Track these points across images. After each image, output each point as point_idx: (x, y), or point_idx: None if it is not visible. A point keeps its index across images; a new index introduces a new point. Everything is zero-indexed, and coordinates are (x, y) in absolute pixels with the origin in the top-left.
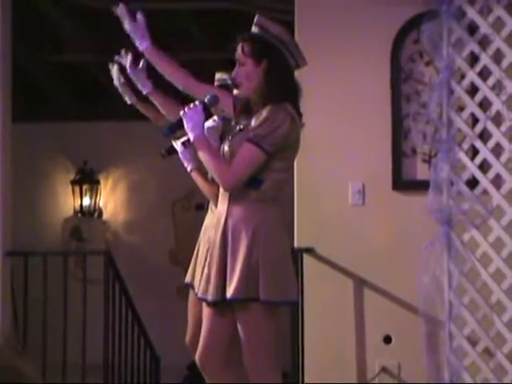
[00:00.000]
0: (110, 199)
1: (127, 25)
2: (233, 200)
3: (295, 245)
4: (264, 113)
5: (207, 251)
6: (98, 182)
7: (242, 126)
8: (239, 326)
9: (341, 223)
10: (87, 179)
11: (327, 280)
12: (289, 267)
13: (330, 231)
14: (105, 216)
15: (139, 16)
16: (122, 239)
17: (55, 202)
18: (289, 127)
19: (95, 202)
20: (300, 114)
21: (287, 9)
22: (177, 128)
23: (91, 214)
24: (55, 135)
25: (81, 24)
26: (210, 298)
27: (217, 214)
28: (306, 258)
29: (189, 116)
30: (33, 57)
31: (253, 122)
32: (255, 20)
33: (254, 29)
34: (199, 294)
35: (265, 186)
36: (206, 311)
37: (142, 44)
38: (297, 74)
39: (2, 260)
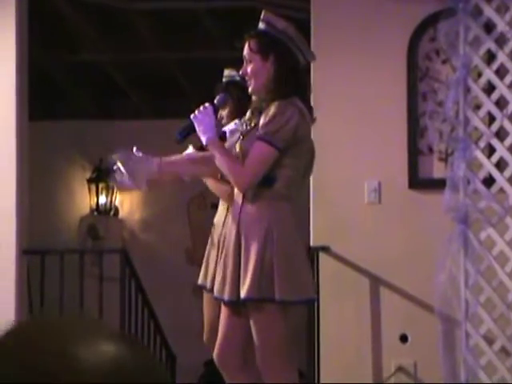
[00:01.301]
0: (126, 198)
1: (126, 169)
2: (246, 199)
3: (311, 243)
4: (272, 108)
5: (218, 250)
6: None
7: (252, 125)
8: (252, 326)
9: (357, 222)
10: (103, 177)
11: (343, 279)
12: (304, 265)
13: (345, 230)
14: (121, 214)
15: (136, 153)
16: (138, 238)
17: (71, 201)
18: (297, 121)
19: (111, 201)
20: (310, 108)
21: (303, 7)
22: (188, 132)
23: (107, 213)
24: (72, 133)
25: (97, 24)
26: (226, 297)
27: (231, 213)
28: (322, 256)
29: (199, 119)
30: (50, 56)
31: (262, 119)
32: (261, 16)
33: (261, 25)
34: (215, 294)
35: (277, 184)
36: (223, 311)
37: (152, 168)
38: (313, 72)
39: (18, 258)
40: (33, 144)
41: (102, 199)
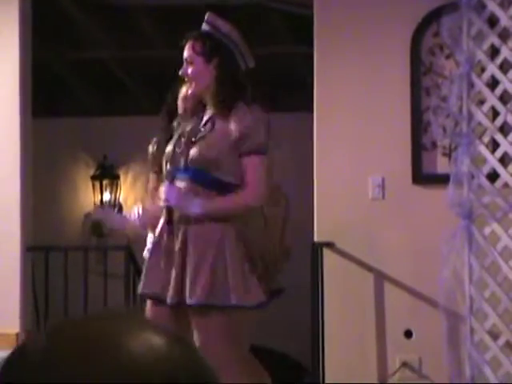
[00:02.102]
0: (130, 194)
1: (112, 224)
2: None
3: (315, 239)
4: (247, 118)
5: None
6: (118, 177)
7: (205, 128)
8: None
9: (361, 217)
10: (107, 174)
11: (347, 274)
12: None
13: (349, 225)
14: (125, 211)
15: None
16: (143, 234)
17: (76, 197)
18: (268, 119)
19: (115, 197)
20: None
21: (306, 2)
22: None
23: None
24: (75, 130)
25: (100, 21)
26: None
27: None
28: (326, 252)
29: (168, 197)
30: (53, 53)
31: (233, 127)
32: (206, 17)
33: (205, 26)
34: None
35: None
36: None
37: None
38: (316, 67)
39: (23, 255)
40: (36, 141)
41: (106, 196)
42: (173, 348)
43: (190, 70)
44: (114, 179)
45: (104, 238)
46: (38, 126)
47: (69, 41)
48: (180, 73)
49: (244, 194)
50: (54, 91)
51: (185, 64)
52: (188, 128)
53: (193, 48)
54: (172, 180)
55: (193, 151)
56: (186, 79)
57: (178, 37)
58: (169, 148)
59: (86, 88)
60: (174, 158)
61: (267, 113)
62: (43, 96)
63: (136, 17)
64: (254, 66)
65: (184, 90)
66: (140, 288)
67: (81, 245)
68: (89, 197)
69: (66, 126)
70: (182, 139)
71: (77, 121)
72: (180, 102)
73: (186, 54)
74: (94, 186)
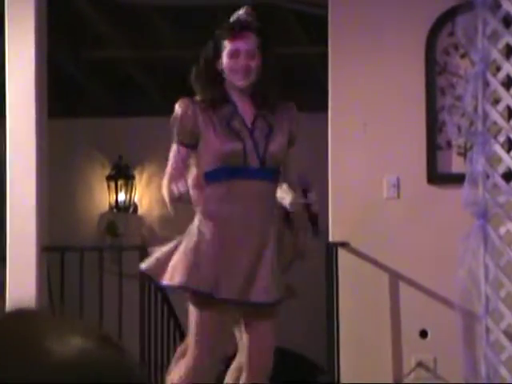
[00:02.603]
0: (145, 194)
1: None
2: None
3: (330, 239)
4: (295, 112)
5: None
6: (133, 178)
7: (265, 126)
8: None
9: (376, 217)
10: (122, 174)
11: (362, 274)
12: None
13: (364, 225)
14: (140, 211)
15: None
16: (157, 234)
17: (91, 198)
18: None
19: (130, 198)
20: None
21: (320, 2)
22: None
23: (126, 210)
24: (91, 131)
25: (114, 21)
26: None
27: None
28: (341, 252)
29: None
30: (68, 54)
31: (288, 125)
32: (249, 11)
33: (251, 19)
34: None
35: None
36: None
37: None
38: (330, 68)
39: (39, 255)
40: (52, 142)
41: (121, 196)
42: (100, 349)
43: (253, 64)
44: (129, 179)
45: (119, 237)
46: (53, 127)
47: (84, 41)
48: (241, 63)
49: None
50: (70, 92)
51: (243, 55)
52: (237, 123)
53: (255, 42)
54: (244, 179)
55: (270, 150)
56: (238, 70)
57: (194, 37)
58: (233, 144)
59: (102, 88)
60: (244, 156)
61: None
62: (59, 97)
63: (151, 17)
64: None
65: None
66: (192, 283)
67: (96, 245)
68: (104, 197)
69: (81, 127)
70: (245, 135)
71: (92, 121)
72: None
73: (247, 45)
74: (109, 186)
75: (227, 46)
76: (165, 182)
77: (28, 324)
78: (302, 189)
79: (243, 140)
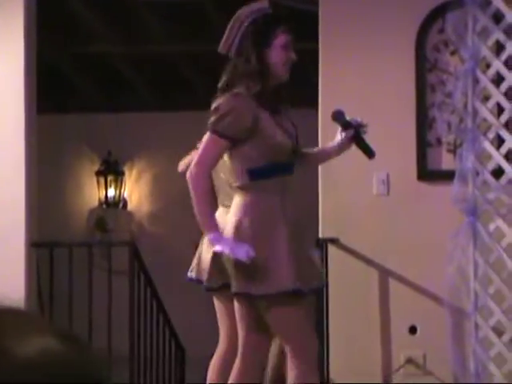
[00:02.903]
0: (135, 190)
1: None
2: None
3: (320, 235)
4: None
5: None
6: (122, 173)
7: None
8: None
9: (365, 213)
10: (112, 170)
11: (352, 270)
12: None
13: (354, 221)
14: (129, 207)
15: None
16: (147, 230)
17: (80, 193)
18: None
19: (120, 193)
20: None
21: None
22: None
23: (116, 205)
24: (80, 126)
25: (104, 16)
26: None
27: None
28: (331, 248)
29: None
30: (58, 49)
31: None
32: (278, 8)
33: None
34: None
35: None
36: None
37: None
38: (321, 64)
39: (27, 251)
40: (41, 137)
41: (111, 192)
42: (62, 347)
43: (294, 56)
44: (119, 175)
45: (108, 233)
46: (42, 123)
47: (73, 36)
48: (293, 57)
49: None
50: (59, 87)
51: (290, 48)
52: (279, 119)
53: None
54: (290, 174)
55: (300, 145)
56: (287, 62)
57: (182, 33)
58: (287, 141)
59: (91, 84)
60: (292, 151)
61: None
62: (48, 92)
63: (140, 12)
64: None
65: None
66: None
67: (85, 240)
68: (93, 192)
69: (70, 122)
70: (290, 132)
71: (81, 117)
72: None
73: (290, 38)
74: (98, 181)
75: (281, 36)
76: (195, 169)
77: None
78: (341, 124)
79: (292, 136)
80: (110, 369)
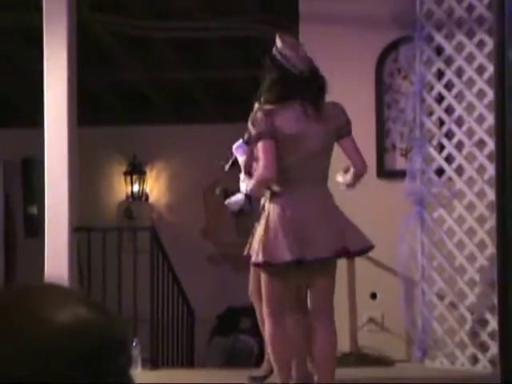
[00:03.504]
0: (155, 186)
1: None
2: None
3: None
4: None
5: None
6: (145, 173)
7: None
8: None
9: (336, 203)
10: (136, 170)
11: None
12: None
13: None
14: (151, 200)
15: None
16: (165, 218)
17: (111, 189)
18: None
19: (143, 189)
20: None
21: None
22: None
23: (140, 198)
24: (112, 136)
25: (130, 49)
26: None
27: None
28: None
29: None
30: (94, 76)
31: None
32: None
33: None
34: None
35: None
36: None
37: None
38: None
39: (70, 234)
40: (81, 145)
41: (136, 188)
42: (96, 315)
43: None
44: (142, 174)
45: (133, 220)
46: (81, 133)
47: (106, 65)
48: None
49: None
50: (95, 106)
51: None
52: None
53: None
54: None
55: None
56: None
57: (193, 62)
58: None
59: (120, 103)
60: None
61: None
62: (87, 110)
63: (159, 46)
64: None
65: None
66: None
67: (115, 226)
68: (122, 188)
69: (104, 133)
70: None
71: (113, 129)
72: None
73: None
74: (125, 179)
75: None
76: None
77: (25, 297)
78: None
79: None
80: (132, 330)
